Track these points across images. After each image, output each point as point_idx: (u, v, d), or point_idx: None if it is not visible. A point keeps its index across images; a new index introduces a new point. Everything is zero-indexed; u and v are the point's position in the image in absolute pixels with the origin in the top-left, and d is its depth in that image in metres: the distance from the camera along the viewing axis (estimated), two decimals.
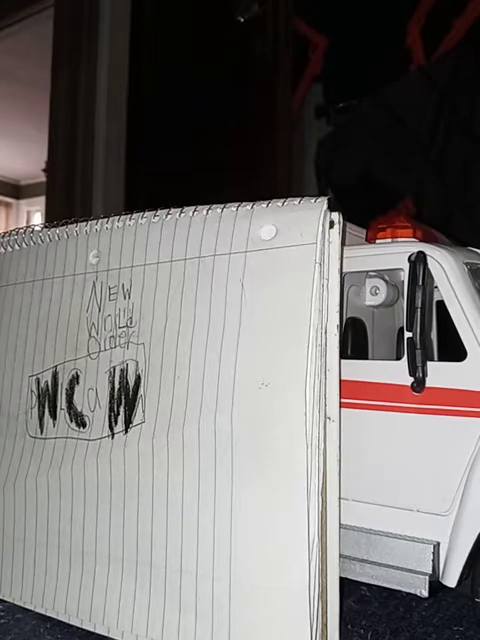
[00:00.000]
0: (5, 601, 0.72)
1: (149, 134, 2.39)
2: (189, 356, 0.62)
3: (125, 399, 0.66)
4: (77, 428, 0.69)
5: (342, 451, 0.58)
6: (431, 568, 0.62)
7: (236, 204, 0.63)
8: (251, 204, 0.62)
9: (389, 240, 0.70)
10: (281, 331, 0.58)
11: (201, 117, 2.18)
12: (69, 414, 0.70)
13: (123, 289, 0.68)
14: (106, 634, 0.64)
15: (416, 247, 0.65)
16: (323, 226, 0.58)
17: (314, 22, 2.09)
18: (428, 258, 0.64)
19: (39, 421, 0.72)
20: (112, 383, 0.67)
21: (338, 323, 0.57)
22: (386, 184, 1.92)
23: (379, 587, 0.66)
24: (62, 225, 0.74)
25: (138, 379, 0.65)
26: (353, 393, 0.66)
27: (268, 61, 2.16)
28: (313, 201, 0.59)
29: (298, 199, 0.60)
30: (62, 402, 0.71)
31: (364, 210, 0.79)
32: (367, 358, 0.77)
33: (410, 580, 0.63)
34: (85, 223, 0.72)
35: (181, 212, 0.65)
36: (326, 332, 0.57)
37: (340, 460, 0.57)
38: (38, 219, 5.25)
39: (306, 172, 2.19)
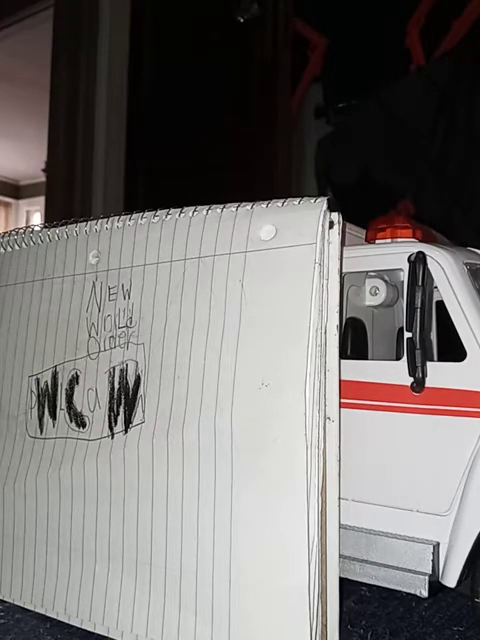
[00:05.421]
0: (5, 601, 0.72)
1: (149, 134, 2.39)
2: (189, 356, 0.62)
3: (125, 399, 0.66)
4: (77, 428, 0.69)
5: (342, 451, 0.58)
6: (431, 568, 0.62)
7: (236, 204, 0.62)
8: (251, 204, 0.62)
9: (389, 240, 0.70)
10: (281, 331, 0.58)
11: (201, 117, 2.18)
12: (69, 414, 0.70)
13: (123, 289, 0.68)
14: (106, 634, 0.64)
15: (416, 247, 0.65)
16: (323, 226, 0.57)
17: (313, 22, 2.09)
18: (428, 258, 0.64)
19: (39, 421, 0.72)
20: (112, 383, 0.67)
21: (338, 323, 0.57)
22: (386, 184, 1.92)
23: (379, 587, 0.66)
24: (62, 225, 0.74)
25: (138, 379, 0.65)
26: (353, 393, 0.66)
27: (267, 61, 2.17)
28: (313, 201, 0.59)
29: (298, 199, 0.60)
30: (62, 402, 0.71)
31: (364, 210, 0.79)
32: (367, 358, 0.76)
33: (410, 580, 0.63)
34: (85, 223, 0.72)
35: (181, 212, 0.65)
36: (326, 332, 0.57)
37: (340, 460, 0.57)
38: (38, 219, 5.26)
39: (306, 172, 2.19)
